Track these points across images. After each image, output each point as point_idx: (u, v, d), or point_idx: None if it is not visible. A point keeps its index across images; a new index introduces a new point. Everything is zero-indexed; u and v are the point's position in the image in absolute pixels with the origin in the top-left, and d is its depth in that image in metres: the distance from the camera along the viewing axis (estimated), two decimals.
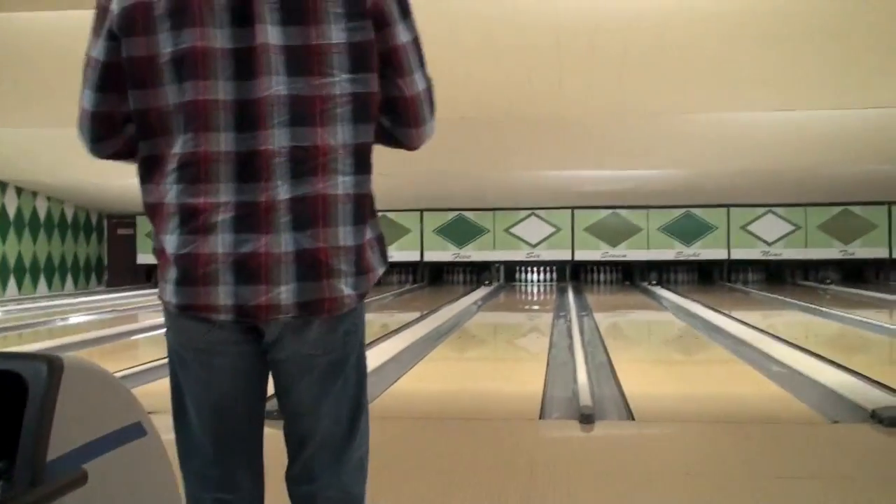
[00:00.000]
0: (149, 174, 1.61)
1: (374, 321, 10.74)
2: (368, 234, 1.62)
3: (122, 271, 19.70)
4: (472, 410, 4.68)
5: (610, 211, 18.58)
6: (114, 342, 8.95)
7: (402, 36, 1.62)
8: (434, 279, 18.81)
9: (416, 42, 1.66)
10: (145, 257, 19.71)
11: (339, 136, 1.55)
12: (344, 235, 1.55)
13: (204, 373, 1.67)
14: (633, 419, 4.86)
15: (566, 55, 9.64)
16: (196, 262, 1.53)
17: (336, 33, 1.53)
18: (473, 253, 18.52)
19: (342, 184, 1.55)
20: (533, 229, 18.72)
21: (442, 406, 5.38)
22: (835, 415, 4.87)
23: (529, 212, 18.62)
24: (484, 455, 4.02)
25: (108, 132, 1.65)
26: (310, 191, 1.52)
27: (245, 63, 1.51)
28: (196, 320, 1.59)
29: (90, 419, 2.63)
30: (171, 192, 1.55)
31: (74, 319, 11.62)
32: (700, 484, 3.47)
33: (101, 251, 19.57)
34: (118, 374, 2.97)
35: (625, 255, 18.65)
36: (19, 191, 15.89)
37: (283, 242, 1.51)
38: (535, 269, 19.34)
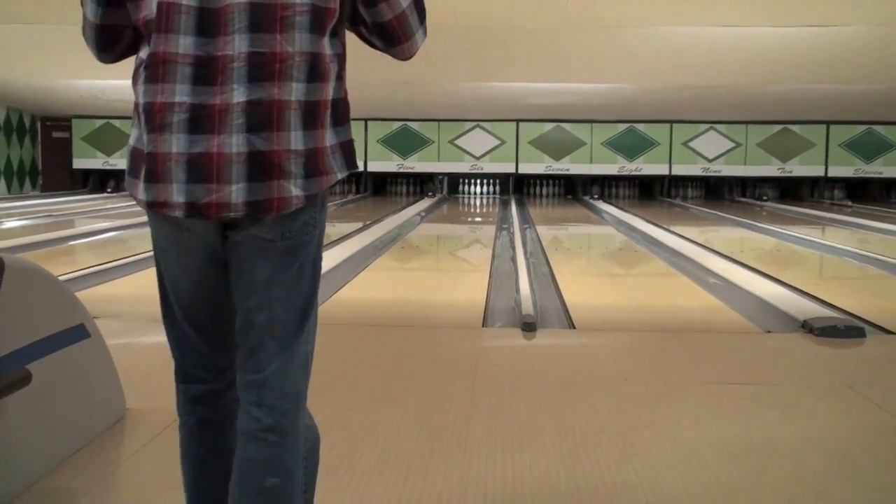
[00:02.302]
0: (132, 77, 1.69)
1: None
2: (329, 140, 1.66)
3: (57, 176, 19.17)
4: (415, 318, 4.72)
5: (554, 124, 18.56)
6: (50, 248, 8.77)
7: None
8: (377, 189, 18.72)
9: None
10: (82, 162, 19.22)
11: (296, 43, 1.59)
12: (295, 139, 1.60)
13: (178, 264, 1.73)
14: (574, 328, 4.96)
15: None
16: (155, 161, 1.60)
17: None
18: (417, 164, 18.43)
19: (296, 90, 1.59)
20: (477, 141, 18.65)
21: (386, 314, 5.41)
22: (768, 325, 5.02)
23: (474, 124, 18.52)
24: (428, 361, 4.07)
25: (112, 42, 1.78)
26: (264, 95, 1.57)
27: (210, 22, 1.57)
28: (164, 216, 1.65)
29: (33, 320, 2.60)
30: (139, 92, 1.63)
31: (8, 224, 11.33)
32: (638, 389, 3.57)
33: (35, 155, 18.98)
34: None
35: (568, 169, 18.73)
36: None
37: (236, 143, 1.56)
38: (478, 181, 19.34)
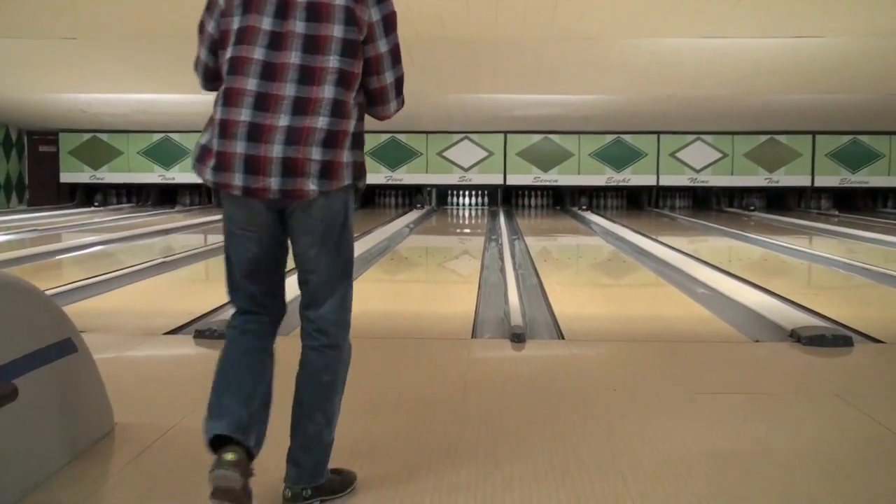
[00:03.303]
0: (215, 100, 2.42)
1: None
2: (346, 158, 2.39)
3: (44, 190, 19.09)
4: (405, 330, 4.71)
5: (542, 136, 18.62)
6: (37, 262, 8.74)
7: (382, 47, 2.47)
8: (366, 202, 18.71)
9: (393, 50, 2.51)
10: (69, 175, 19.15)
11: (326, 92, 2.35)
12: (316, 153, 2.33)
13: (241, 231, 2.44)
14: (563, 339, 4.96)
15: None
16: (223, 157, 2.33)
17: (336, 31, 2.37)
18: (406, 176, 18.45)
19: (321, 122, 2.34)
20: (466, 153, 18.69)
21: (375, 326, 5.40)
22: (756, 334, 5.04)
23: (463, 135, 18.55)
24: (417, 372, 4.06)
25: (215, 77, 2.51)
26: (299, 124, 2.32)
27: (277, 40, 2.36)
28: (232, 198, 2.38)
29: (20, 335, 2.58)
30: (218, 111, 2.38)
31: None
32: (627, 399, 3.57)
33: (21, 169, 18.90)
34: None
35: (556, 180, 18.78)
36: None
37: (276, 151, 2.30)
38: (467, 192, 19.36)
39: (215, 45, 2.47)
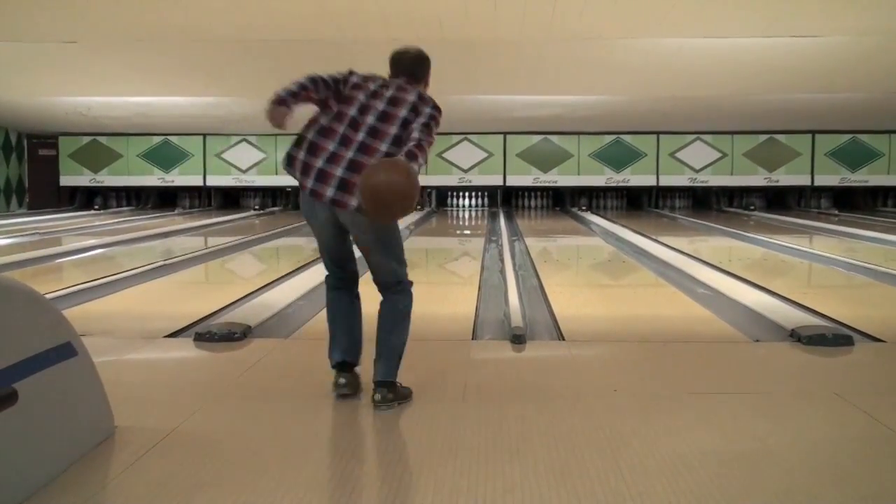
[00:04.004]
0: (311, 122, 3.52)
1: (305, 246, 10.67)
2: None
3: (44, 193, 19.12)
4: None
5: (541, 137, 18.63)
6: (37, 265, 8.74)
7: (418, 127, 3.49)
8: None
9: (427, 127, 3.51)
10: (69, 179, 19.18)
11: (383, 146, 3.42)
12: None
13: (315, 223, 3.55)
14: (563, 340, 4.96)
15: None
16: (308, 167, 3.41)
17: (393, 130, 3.48)
18: None
19: (374, 159, 3.36)
20: (465, 154, 18.71)
21: (375, 328, 5.39)
22: (756, 334, 5.04)
23: (462, 136, 18.57)
24: (417, 374, 4.05)
25: (298, 98, 3.48)
26: (359, 158, 3.38)
27: (355, 124, 3.47)
28: (303, 194, 3.46)
29: (19, 338, 2.58)
30: (311, 134, 3.46)
31: None
32: (627, 400, 3.57)
33: (21, 172, 18.91)
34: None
35: (556, 181, 18.79)
36: None
37: (338, 172, 3.36)
38: (466, 194, 19.37)
39: (319, 86, 3.53)
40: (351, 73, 3.67)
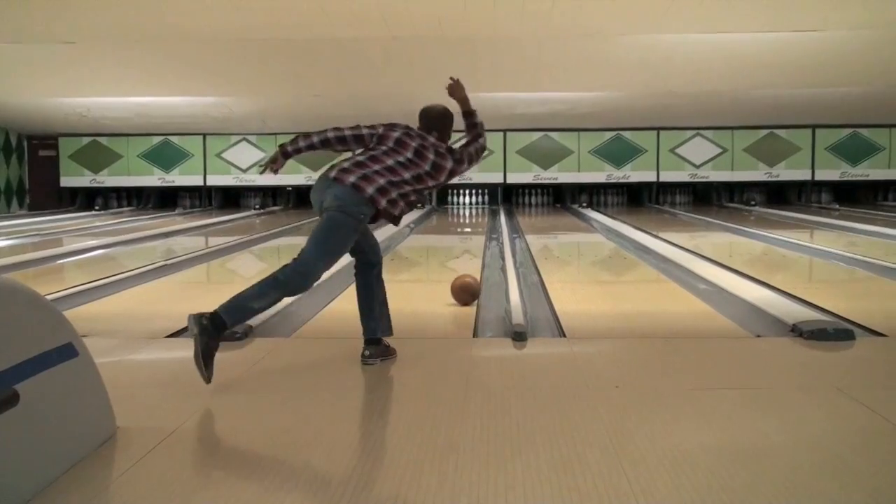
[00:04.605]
0: (366, 147, 4.25)
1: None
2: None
3: (44, 194, 19.13)
4: (406, 330, 4.69)
5: (542, 133, 18.63)
6: (38, 266, 8.74)
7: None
8: None
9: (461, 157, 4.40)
10: (69, 180, 19.19)
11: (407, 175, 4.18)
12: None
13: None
14: (565, 336, 4.96)
15: None
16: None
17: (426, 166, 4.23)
18: None
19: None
20: None
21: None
22: (758, 329, 5.04)
23: (462, 134, 18.52)
24: (419, 372, 4.06)
25: (330, 147, 4.21)
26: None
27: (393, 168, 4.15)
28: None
29: (20, 340, 2.58)
30: (372, 156, 4.15)
31: None
32: (629, 396, 3.57)
33: (21, 173, 18.92)
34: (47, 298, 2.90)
35: (556, 178, 18.78)
36: None
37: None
38: (467, 191, 19.37)
39: (355, 139, 4.25)
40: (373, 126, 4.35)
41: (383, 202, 4.03)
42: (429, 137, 4.31)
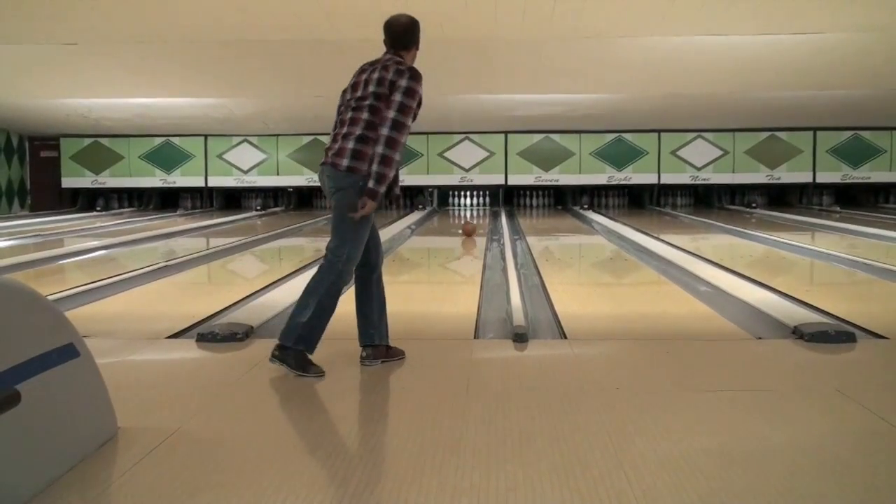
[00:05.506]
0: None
1: (307, 246, 10.68)
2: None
3: (46, 195, 19.14)
4: (407, 331, 4.70)
5: (543, 135, 18.63)
6: (39, 267, 8.75)
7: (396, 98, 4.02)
8: None
9: (400, 105, 4.01)
10: (70, 180, 19.20)
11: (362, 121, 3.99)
12: None
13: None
14: (565, 338, 4.96)
15: None
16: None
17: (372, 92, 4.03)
18: (407, 177, 18.45)
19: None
20: (466, 153, 18.70)
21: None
22: (759, 331, 5.03)
23: (463, 136, 18.56)
24: (420, 373, 4.06)
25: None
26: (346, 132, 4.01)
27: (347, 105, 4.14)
28: None
29: (21, 340, 2.58)
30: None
31: None
32: (630, 398, 3.57)
33: (23, 174, 18.92)
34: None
35: (557, 180, 18.78)
36: None
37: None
38: (468, 193, 19.38)
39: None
40: None
41: (364, 167, 3.92)
42: (376, 64, 4.25)
